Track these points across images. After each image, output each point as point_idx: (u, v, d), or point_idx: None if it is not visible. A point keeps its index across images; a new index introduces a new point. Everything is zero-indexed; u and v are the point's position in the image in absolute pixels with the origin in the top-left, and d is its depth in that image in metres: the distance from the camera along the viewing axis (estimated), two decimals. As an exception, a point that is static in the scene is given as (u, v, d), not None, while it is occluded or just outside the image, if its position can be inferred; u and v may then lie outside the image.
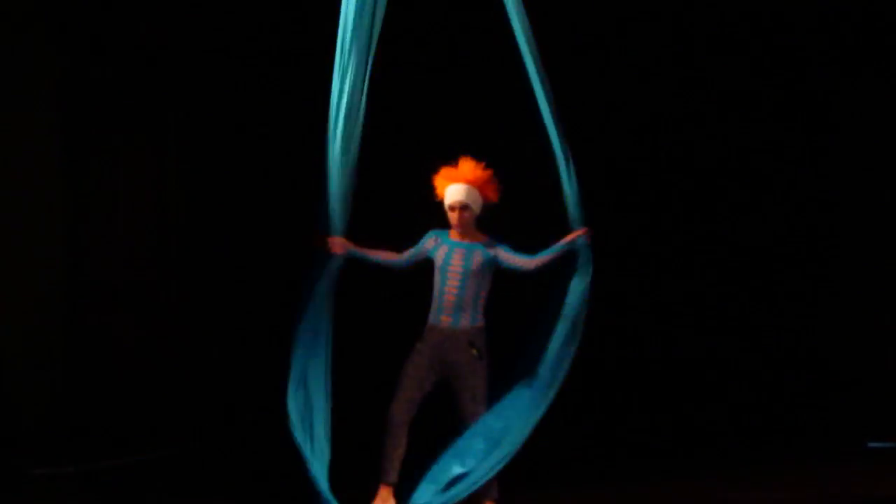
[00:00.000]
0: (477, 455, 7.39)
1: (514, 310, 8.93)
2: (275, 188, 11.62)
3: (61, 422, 10.52)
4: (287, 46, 11.60)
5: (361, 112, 7.55)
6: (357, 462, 7.83)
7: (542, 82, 7.50)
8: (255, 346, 11.51)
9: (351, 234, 7.70)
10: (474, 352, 7.49)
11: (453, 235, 7.64)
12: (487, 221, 7.80)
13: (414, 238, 7.82)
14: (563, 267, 7.65)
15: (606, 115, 11.52)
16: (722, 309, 11.41)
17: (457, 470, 7.38)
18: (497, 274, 7.67)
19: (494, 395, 7.58)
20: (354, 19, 7.46)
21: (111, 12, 10.86)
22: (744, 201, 11.46)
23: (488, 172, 7.65)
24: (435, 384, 7.57)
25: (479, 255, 7.56)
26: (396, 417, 7.50)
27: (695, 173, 11.51)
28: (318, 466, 7.39)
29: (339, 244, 7.61)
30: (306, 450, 7.41)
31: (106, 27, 10.86)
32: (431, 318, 7.59)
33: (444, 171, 7.66)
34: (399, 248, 7.85)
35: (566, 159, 7.54)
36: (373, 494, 7.58)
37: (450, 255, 7.56)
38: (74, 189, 10.80)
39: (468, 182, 7.58)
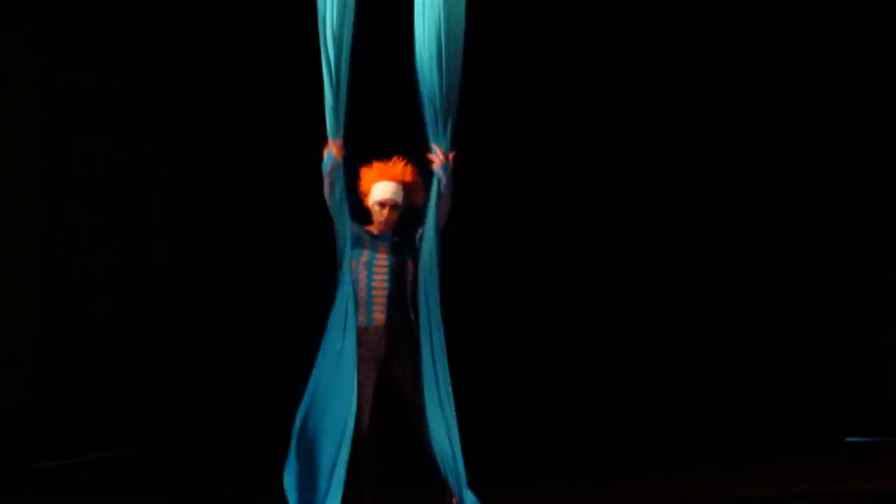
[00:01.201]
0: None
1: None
2: (252, 181, 11.60)
3: (38, 417, 10.47)
4: (264, 42, 11.58)
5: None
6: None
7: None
8: (234, 339, 11.49)
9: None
10: None
11: (374, 230, 7.52)
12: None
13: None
14: None
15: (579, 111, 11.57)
16: (702, 305, 11.41)
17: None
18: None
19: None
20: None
21: (89, 9, 10.83)
22: (720, 198, 11.46)
23: (418, 178, 7.53)
24: (382, 383, 7.47)
25: (401, 247, 7.48)
26: (363, 426, 7.44)
27: (673, 171, 11.52)
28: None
29: (339, 147, 7.35)
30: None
31: (84, 24, 10.82)
32: (363, 321, 7.44)
33: (378, 167, 7.56)
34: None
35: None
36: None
37: (374, 252, 7.45)
38: (52, 181, 10.76)
39: (404, 183, 7.49)
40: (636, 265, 11.52)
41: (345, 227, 7.36)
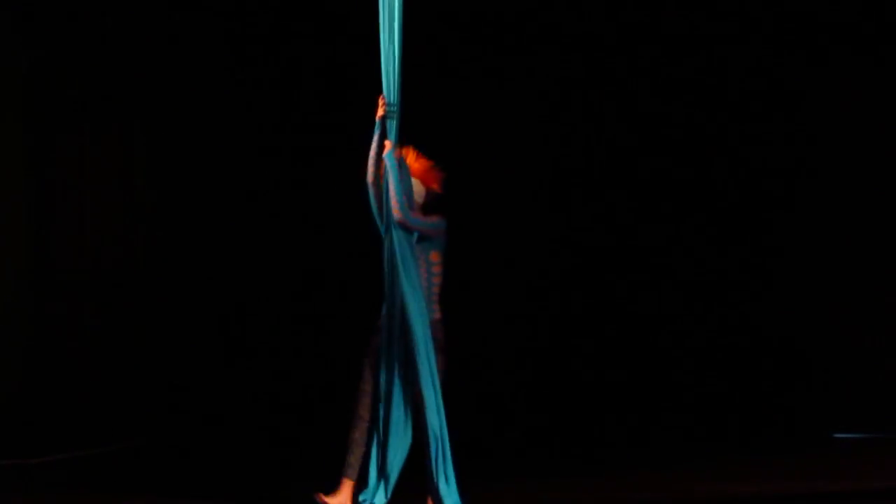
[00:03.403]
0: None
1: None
2: (243, 177, 11.58)
3: (24, 412, 10.45)
4: (251, 34, 11.56)
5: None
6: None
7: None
8: (222, 337, 11.47)
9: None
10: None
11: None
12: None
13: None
14: None
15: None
16: (689, 300, 11.41)
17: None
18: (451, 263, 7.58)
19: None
20: None
21: (75, 6, 10.80)
22: (713, 192, 11.46)
23: (429, 161, 7.55)
24: None
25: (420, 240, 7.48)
26: (361, 413, 7.43)
27: (662, 161, 11.52)
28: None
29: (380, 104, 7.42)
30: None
31: (71, 18, 10.79)
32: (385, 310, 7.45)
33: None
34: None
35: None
36: (335, 487, 7.52)
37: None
38: (40, 177, 10.73)
39: (410, 172, 7.49)
40: (630, 262, 11.50)
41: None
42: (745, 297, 11.36)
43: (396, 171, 7.34)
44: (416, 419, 7.32)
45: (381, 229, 7.43)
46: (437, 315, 7.43)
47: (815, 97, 11.25)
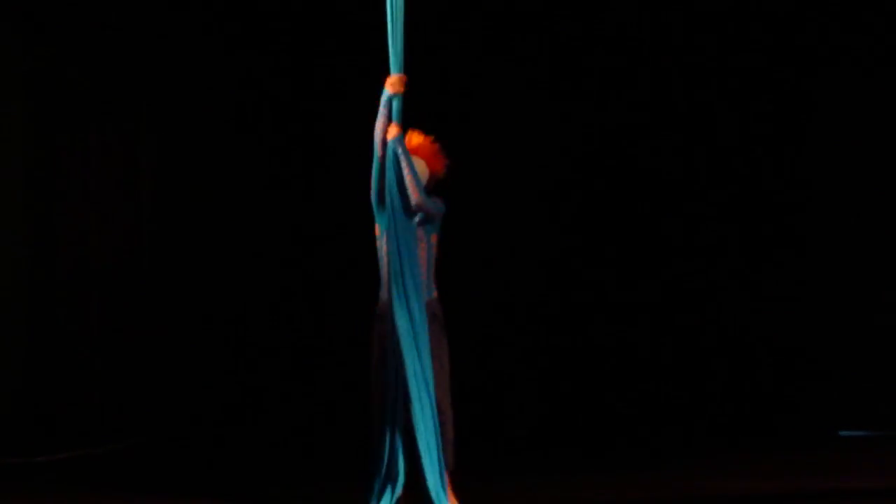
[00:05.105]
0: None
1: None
2: (246, 178, 11.56)
3: (26, 411, 10.45)
4: (256, 33, 11.54)
5: None
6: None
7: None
8: (226, 335, 11.46)
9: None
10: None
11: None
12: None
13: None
14: None
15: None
16: (695, 297, 11.38)
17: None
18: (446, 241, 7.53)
19: None
20: None
21: (80, 5, 10.79)
22: (718, 189, 11.43)
23: (436, 145, 7.50)
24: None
25: (423, 223, 7.44)
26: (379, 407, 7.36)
27: (667, 161, 11.48)
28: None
29: (400, 81, 7.38)
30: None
31: (75, 20, 10.78)
32: (386, 296, 7.36)
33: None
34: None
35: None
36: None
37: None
38: (42, 178, 10.74)
39: (415, 153, 7.42)
40: (632, 260, 11.47)
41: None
42: (750, 294, 11.33)
43: (410, 158, 7.31)
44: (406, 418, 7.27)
45: (376, 208, 7.37)
46: (435, 294, 7.39)
47: (818, 102, 11.22)
